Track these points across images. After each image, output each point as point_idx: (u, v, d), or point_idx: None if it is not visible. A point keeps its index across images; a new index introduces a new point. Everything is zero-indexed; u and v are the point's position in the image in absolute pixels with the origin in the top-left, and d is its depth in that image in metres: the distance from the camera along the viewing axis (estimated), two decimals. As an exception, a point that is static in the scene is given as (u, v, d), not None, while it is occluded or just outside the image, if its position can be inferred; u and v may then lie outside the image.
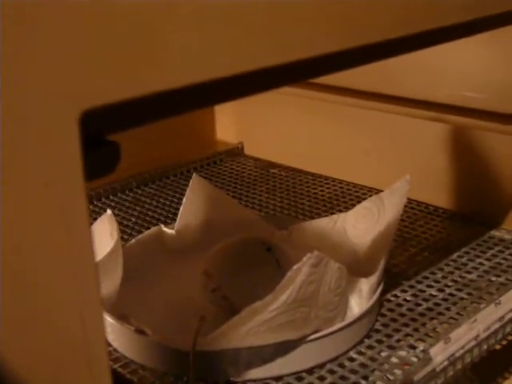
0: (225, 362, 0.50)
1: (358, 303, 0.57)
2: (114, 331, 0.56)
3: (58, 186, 0.25)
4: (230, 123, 1.05)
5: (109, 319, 0.54)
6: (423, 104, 0.80)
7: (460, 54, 0.76)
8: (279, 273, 0.56)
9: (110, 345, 0.57)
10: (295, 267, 0.47)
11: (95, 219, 0.82)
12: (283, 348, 0.51)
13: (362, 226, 0.66)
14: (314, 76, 0.39)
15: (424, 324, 0.59)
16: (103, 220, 0.59)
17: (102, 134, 0.29)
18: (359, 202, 0.83)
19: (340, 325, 0.53)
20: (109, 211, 0.60)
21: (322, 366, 0.54)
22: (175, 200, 0.87)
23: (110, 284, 0.57)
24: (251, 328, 0.47)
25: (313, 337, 0.52)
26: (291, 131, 0.96)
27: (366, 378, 0.52)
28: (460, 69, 0.77)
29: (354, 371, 0.53)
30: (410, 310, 0.61)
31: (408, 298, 0.63)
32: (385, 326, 0.59)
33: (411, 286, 0.65)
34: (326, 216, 0.78)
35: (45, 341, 0.26)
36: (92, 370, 0.29)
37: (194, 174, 0.71)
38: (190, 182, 0.71)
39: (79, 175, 0.26)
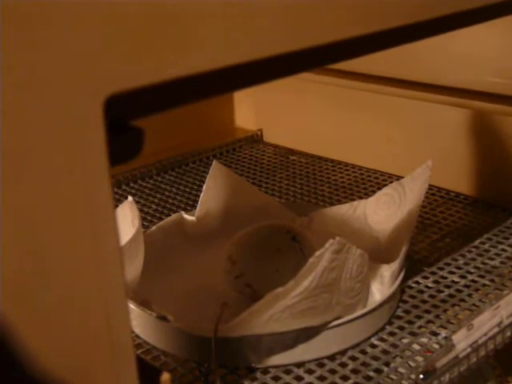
0: (246, 349, 0.50)
1: (380, 290, 0.57)
2: (135, 317, 0.56)
3: (83, 172, 0.25)
4: (249, 110, 1.04)
5: (131, 306, 0.54)
6: (445, 89, 0.79)
7: (482, 39, 0.76)
8: (304, 262, 0.56)
9: (132, 331, 0.57)
10: (317, 253, 0.47)
11: (116, 206, 0.83)
12: (305, 334, 0.51)
13: (382, 213, 0.66)
14: (335, 61, 0.38)
15: (446, 311, 0.58)
16: (124, 207, 0.59)
17: (125, 119, 0.29)
18: (379, 189, 0.83)
19: (362, 311, 0.53)
20: (130, 198, 0.60)
21: (343, 352, 0.54)
22: (195, 187, 0.87)
23: (132, 270, 0.57)
24: (273, 314, 0.47)
25: (335, 323, 0.52)
26: (311, 118, 0.95)
27: (387, 364, 0.52)
28: (482, 54, 0.76)
29: (375, 358, 0.53)
30: (431, 296, 0.61)
31: (429, 285, 0.63)
32: (406, 312, 0.59)
33: (433, 273, 0.65)
34: (345, 202, 0.79)
35: (70, 328, 0.27)
36: (116, 357, 0.29)
37: (215, 161, 0.71)
38: (210, 169, 0.71)
39: (104, 161, 0.26)
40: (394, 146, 0.85)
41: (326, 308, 0.49)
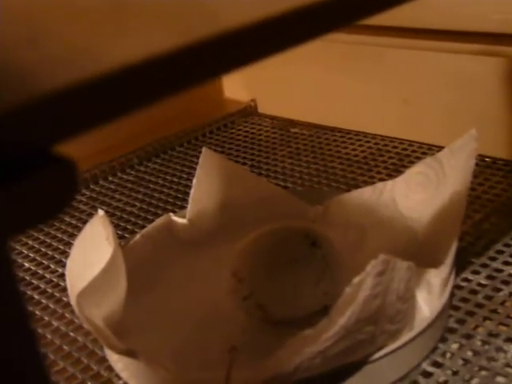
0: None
1: (427, 301, 0.45)
2: (122, 360, 0.45)
3: None
4: (239, 78, 0.90)
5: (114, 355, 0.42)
6: (471, 36, 0.66)
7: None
8: (328, 274, 0.44)
9: (119, 377, 0.46)
10: (356, 280, 0.34)
11: (93, 207, 0.70)
12: (341, 373, 0.39)
13: (416, 197, 0.53)
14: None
15: (512, 317, 0.46)
16: (95, 223, 0.47)
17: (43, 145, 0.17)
18: (401, 160, 0.70)
19: (410, 335, 0.41)
20: (100, 212, 0.47)
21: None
22: (184, 175, 0.74)
23: (113, 300, 0.45)
24: (301, 363, 0.35)
25: (377, 356, 0.40)
26: (311, 82, 0.82)
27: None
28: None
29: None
30: (488, 297, 0.49)
31: (483, 282, 0.51)
32: (461, 322, 0.47)
33: (484, 265, 0.52)
34: (364, 181, 0.66)
35: None
36: None
37: (204, 148, 0.59)
38: (200, 158, 0.58)
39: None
40: (414, 108, 0.72)
41: (368, 343, 0.37)
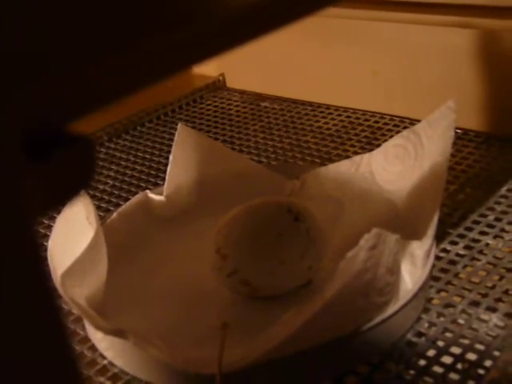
0: (261, 381, 0.38)
1: (411, 272, 0.45)
2: (106, 339, 0.44)
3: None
4: (206, 53, 0.90)
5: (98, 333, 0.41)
6: (443, 7, 0.66)
7: None
8: (311, 248, 0.44)
9: (103, 357, 0.45)
10: (349, 254, 0.35)
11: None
12: (329, 346, 0.40)
13: (394, 169, 0.54)
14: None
15: (493, 287, 0.47)
16: (75, 202, 0.46)
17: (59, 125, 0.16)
18: (373, 133, 0.71)
19: (396, 306, 0.42)
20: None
21: (378, 358, 0.42)
22: (156, 152, 0.73)
23: (95, 280, 0.45)
24: (293, 337, 0.35)
25: (366, 327, 0.40)
26: (280, 54, 0.81)
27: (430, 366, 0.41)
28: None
29: (416, 359, 0.42)
30: (467, 267, 0.50)
31: (461, 252, 0.51)
32: (442, 293, 0.47)
33: (461, 236, 0.53)
34: (338, 155, 0.67)
35: None
36: None
37: (180, 124, 0.58)
38: (176, 135, 0.57)
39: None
40: (383, 80, 0.73)
41: (358, 315, 0.38)
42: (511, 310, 0.45)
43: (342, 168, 0.57)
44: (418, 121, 0.53)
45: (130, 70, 0.16)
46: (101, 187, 0.67)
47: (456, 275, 0.49)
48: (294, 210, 0.45)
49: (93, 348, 0.46)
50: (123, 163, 0.72)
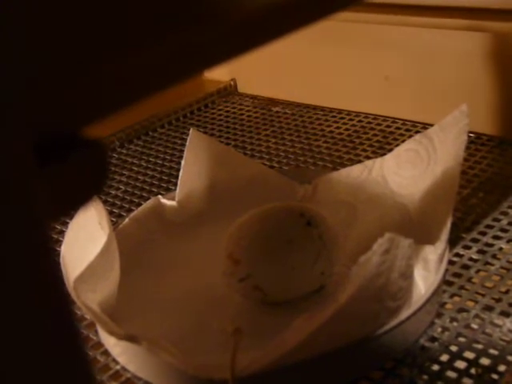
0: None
1: (424, 277, 0.45)
2: (119, 345, 0.44)
3: None
4: (218, 58, 0.90)
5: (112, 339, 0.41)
6: (456, 11, 0.66)
7: None
8: (324, 253, 0.44)
9: (116, 362, 0.45)
10: (362, 259, 0.34)
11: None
12: (342, 351, 0.39)
13: (407, 174, 0.53)
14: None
15: (507, 291, 0.47)
16: (88, 207, 0.46)
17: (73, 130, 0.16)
18: (386, 138, 0.70)
19: (408, 312, 0.41)
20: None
21: (390, 364, 0.42)
22: (167, 157, 0.73)
23: (107, 286, 0.45)
24: (306, 342, 0.35)
25: (379, 332, 0.40)
26: (291, 60, 0.81)
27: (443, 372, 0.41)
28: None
29: (429, 364, 0.42)
30: (480, 271, 0.49)
31: (474, 257, 0.51)
32: (455, 298, 0.47)
33: (474, 240, 0.53)
34: (350, 159, 0.66)
35: None
36: None
37: (192, 129, 0.58)
38: (188, 140, 0.57)
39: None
40: (396, 85, 0.72)
41: (371, 320, 0.38)
42: (526, 314, 0.44)
43: (354, 173, 0.57)
44: (431, 125, 0.53)
45: (144, 73, 0.16)
46: (113, 192, 0.67)
47: (469, 280, 0.49)
48: (307, 215, 0.45)
49: (106, 353, 0.46)
50: (135, 168, 0.72)
